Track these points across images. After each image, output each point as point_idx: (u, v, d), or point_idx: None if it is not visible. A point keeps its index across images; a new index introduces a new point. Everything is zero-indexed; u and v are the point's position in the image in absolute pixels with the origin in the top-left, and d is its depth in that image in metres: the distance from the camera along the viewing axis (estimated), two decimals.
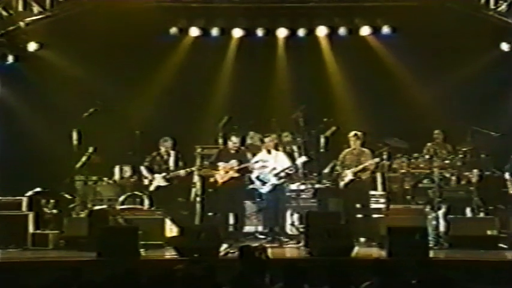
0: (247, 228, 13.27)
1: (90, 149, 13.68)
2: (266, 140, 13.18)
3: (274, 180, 12.86)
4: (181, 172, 13.10)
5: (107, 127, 14.27)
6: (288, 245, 12.38)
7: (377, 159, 13.05)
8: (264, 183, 12.90)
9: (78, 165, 13.63)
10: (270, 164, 12.95)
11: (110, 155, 14.25)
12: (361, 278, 7.63)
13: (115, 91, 14.59)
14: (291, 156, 13.40)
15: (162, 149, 13.27)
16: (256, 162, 13.03)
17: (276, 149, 13.23)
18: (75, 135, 13.38)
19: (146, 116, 14.70)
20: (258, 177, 12.95)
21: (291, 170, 13.05)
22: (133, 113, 14.71)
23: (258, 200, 13.32)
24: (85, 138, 13.63)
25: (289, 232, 12.95)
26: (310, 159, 13.33)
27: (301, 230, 12.53)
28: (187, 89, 14.99)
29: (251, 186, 13.13)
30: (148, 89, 14.94)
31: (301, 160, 13.04)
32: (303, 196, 13.51)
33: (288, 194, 13.24)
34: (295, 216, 13.12)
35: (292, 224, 13.04)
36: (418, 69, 14.62)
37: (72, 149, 13.46)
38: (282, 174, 12.88)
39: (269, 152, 13.04)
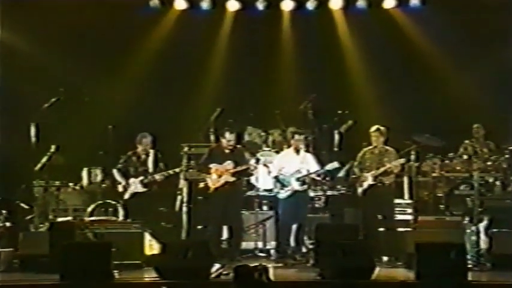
0: (245, 244, 13.25)
1: (52, 148, 13.57)
2: (296, 137, 13.13)
3: (296, 185, 12.87)
4: (157, 176, 13.06)
5: (72, 121, 14.28)
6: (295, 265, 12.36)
7: (403, 160, 12.99)
8: (283, 186, 12.91)
9: (37, 167, 13.51)
10: (276, 164, 12.95)
11: (76, 155, 14.22)
12: None
13: (82, 77, 14.59)
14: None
15: (140, 148, 13.21)
16: (257, 161, 12.98)
17: (307, 149, 13.24)
18: (33, 131, 13.31)
19: (121, 107, 14.68)
20: (277, 178, 12.95)
21: (318, 176, 13.06)
22: (105, 104, 14.71)
23: (258, 209, 13.35)
24: (45, 135, 13.54)
25: (304, 250, 12.90)
26: (342, 165, 13.31)
27: (310, 246, 12.49)
28: (171, 75, 15.00)
29: (267, 188, 13.19)
30: (123, 74, 14.94)
31: (332, 166, 13.01)
32: (313, 205, 13.47)
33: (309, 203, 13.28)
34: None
35: (298, 241, 12.98)
36: (454, 49, 14.64)
37: (29, 147, 13.38)
38: (307, 179, 12.89)
39: (297, 151, 13.02)
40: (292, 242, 12.87)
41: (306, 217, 12.99)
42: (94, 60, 14.71)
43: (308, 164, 12.95)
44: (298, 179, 12.86)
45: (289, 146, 13.51)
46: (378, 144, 13.05)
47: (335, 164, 12.98)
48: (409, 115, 14.52)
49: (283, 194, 12.94)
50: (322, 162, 13.21)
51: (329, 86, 14.90)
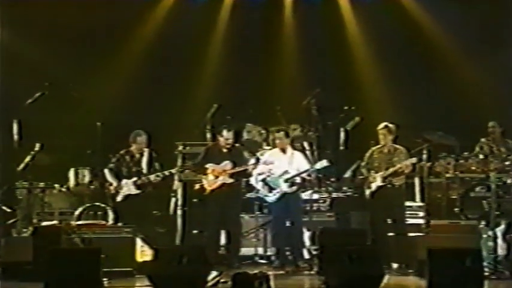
0: (244, 251, 13.25)
1: (36, 146, 13.61)
2: (276, 135, 13.17)
3: (284, 187, 12.85)
4: (152, 177, 13.00)
5: (58, 117, 14.26)
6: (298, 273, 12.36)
7: (414, 160, 12.94)
8: (271, 189, 12.88)
9: (20, 167, 13.57)
10: (278, 165, 12.88)
11: (62, 154, 14.20)
12: None
13: (70, 71, 14.54)
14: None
15: (134, 147, 13.15)
16: (257, 162, 12.93)
17: (294, 147, 13.24)
18: (15, 128, 13.31)
19: (111, 103, 14.67)
20: (264, 181, 12.93)
21: (308, 176, 13.03)
22: (93, 99, 14.63)
23: (259, 212, 13.39)
24: (29, 132, 13.55)
25: (306, 256, 12.91)
26: (332, 164, 13.28)
27: (314, 252, 12.47)
28: (165, 69, 14.97)
29: (257, 192, 13.14)
30: (114, 68, 14.93)
31: (321, 165, 12.97)
32: (317, 208, 13.47)
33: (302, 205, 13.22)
34: (306, 234, 13.06)
35: (298, 247, 12.95)
36: (468, 42, 14.63)
37: (11, 145, 13.39)
38: (297, 179, 12.85)
39: (284, 151, 13.00)
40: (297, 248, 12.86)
41: (301, 220, 12.95)
42: (83, 51, 14.73)
43: (297, 163, 12.92)
44: (286, 181, 12.82)
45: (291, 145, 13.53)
46: (387, 143, 13.01)
47: (324, 163, 12.94)
48: (420, 111, 14.55)
49: (271, 197, 12.92)
50: (311, 161, 13.23)
51: (334, 80, 14.93)
